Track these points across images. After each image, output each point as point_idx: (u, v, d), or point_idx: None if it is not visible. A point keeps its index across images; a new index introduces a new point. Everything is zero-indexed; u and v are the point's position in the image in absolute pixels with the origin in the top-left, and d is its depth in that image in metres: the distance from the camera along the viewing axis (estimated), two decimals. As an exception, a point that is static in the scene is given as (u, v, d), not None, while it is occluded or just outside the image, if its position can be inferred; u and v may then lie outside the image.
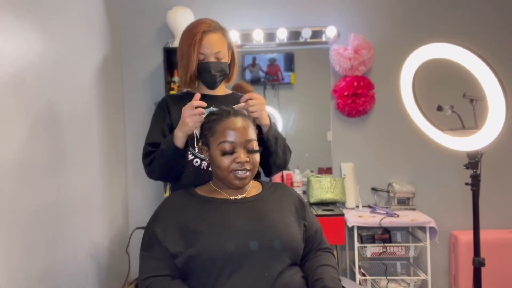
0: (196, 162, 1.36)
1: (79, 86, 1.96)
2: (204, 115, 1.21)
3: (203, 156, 1.28)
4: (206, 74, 1.40)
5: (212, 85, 1.43)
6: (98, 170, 2.16)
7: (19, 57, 1.43)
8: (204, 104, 1.24)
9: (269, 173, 1.46)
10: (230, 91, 1.55)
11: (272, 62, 2.76)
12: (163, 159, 1.30)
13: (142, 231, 1.15)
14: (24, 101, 1.46)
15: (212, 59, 1.39)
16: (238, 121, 1.14)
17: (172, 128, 1.39)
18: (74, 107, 1.88)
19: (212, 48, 1.38)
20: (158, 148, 1.36)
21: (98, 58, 2.24)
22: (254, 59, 2.75)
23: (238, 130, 1.11)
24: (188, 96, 1.44)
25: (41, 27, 1.60)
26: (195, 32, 1.37)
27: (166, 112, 1.43)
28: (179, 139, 1.25)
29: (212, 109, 1.36)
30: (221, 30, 1.42)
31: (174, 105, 1.44)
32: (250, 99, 1.25)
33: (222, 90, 1.51)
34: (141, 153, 1.39)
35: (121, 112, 2.64)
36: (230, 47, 1.46)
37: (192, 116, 1.21)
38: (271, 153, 1.35)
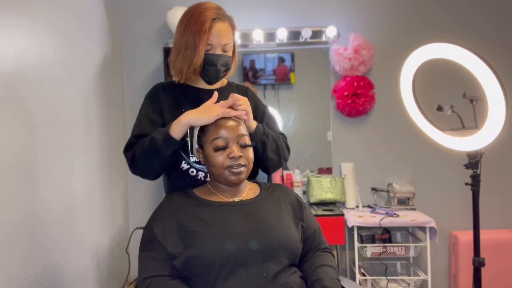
0: (192, 172, 1.29)
1: (79, 86, 1.96)
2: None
3: (199, 166, 1.27)
4: (210, 67, 1.26)
5: (214, 80, 1.30)
6: (98, 170, 2.16)
7: (19, 57, 1.43)
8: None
9: (266, 172, 1.37)
10: (226, 81, 1.41)
11: (279, 62, 2.74)
12: (150, 147, 1.18)
13: (142, 231, 1.15)
14: (24, 101, 1.45)
15: (218, 51, 1.25)
16: (229, 119, 1.14)
17: (164, 125, 1.27)
18: (74, 107, 1.88)
19: (221, 39, 1.23)
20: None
21: (98, 58, 2.24)
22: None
23: (230, 126, 1.12)
24: (182, 88, 1.33)
25: (41, 27, 1.60)
26: (204, 20, 1.20)
27: (158, 106, 1.30)
28: (180, 127, 1.16)
29: None
30: (229, 19, 1.28)
31: (166, 97, 1.31)
32: (238, 99, 1.16)
33: (220, 82, 1.37)
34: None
35: (121, 112, 2.64)
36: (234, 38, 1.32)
37: (218, 111, 1.12)
38: (259, 157, 1.26)
